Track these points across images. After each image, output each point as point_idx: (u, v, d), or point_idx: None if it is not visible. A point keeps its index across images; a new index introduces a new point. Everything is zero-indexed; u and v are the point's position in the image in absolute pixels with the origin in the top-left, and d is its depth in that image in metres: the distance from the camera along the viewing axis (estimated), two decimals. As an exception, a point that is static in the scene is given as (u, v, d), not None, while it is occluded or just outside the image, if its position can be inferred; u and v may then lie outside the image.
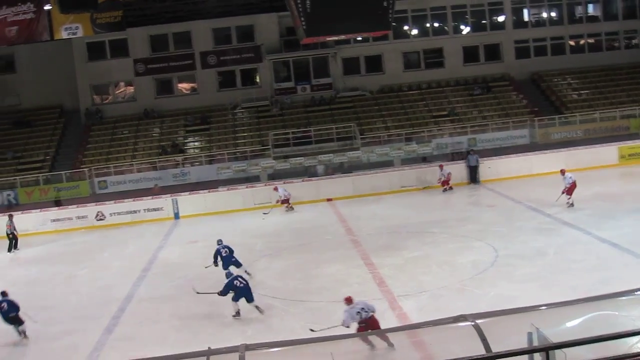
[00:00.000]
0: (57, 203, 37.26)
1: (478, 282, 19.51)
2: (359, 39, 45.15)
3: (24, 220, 34.57)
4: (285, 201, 33.23)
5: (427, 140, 40.89)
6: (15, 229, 31.75)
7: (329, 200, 34.61)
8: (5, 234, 31.54)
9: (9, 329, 18.79)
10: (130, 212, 34.64)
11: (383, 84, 47.17)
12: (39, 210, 35.80)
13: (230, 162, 39.70)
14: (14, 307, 18.87)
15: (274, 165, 38.87)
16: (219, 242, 22.98)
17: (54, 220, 35.03)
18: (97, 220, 34.79)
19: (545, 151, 36.67)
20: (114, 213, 34.67)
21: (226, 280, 18.87)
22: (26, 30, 25.21)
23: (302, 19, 24.58)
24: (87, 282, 24.96)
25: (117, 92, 48.42)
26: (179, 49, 46.66)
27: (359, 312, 15.44)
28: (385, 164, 38.84)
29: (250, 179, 38.01)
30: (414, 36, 48.81)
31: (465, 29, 49.78)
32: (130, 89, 47.91)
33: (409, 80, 47.63)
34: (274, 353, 10.18)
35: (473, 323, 7.77)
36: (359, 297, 19.21)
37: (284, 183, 34.86)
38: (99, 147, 43.28)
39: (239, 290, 18.67)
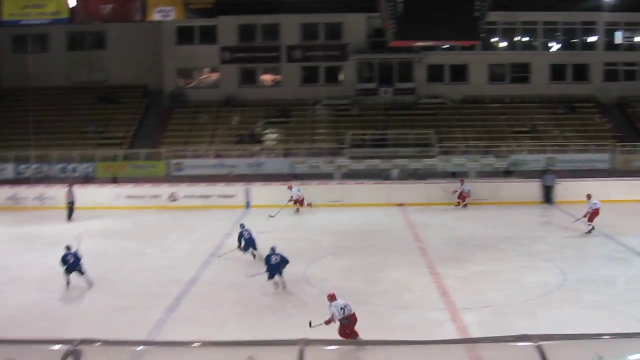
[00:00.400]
0: (114, 180, 38.14)
1: (543, 303, 19.24)
2: (446, 46, 44.85)
3: (99, 194, 35.51)
4: (298, 201, 33.26)
5: (505, 155, 40.37)
6: (74, 199, 32.70)
7: (400, 205, 34.53)
8: (65, 204, 32.50)
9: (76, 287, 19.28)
10: (203, 197, 35.17)
11: (466, 94, 46.79)
12: (114, 185, 36.62)
13: (306, 157, 39.86)
14: (78, 259, 21.32)
15: (348, 165, 38.91)
16: (242, 225, 24.94)
17: (128, 197, 35.82)
18: (170, 201, 35.44)
19: (625, 178, 35.89)
20: (187, 196, 35.25)
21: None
22: (120, 10, 25.81)
23: (393, 21, 24.60)
24: (154, 260, 25.45)
25: (202, 77, 49.10)
26: (266, 40, 47.08)
27: (342, 307, 16.04)
28: (460, 175, 38.49)
29: (323, 176, 38.12)
30: (502, 49, 48.25)
31: (555, 46, 48.99)
32: (215, 76, 48.52)
33: (492, 92, 47.12)
34: (333, 351, 10.27)
35: (536, 344, 7.67)
36: (421, 305, 19.26)
37: (301, 184, 34.92)
38: (178, 130, 43.98)
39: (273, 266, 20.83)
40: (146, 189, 36.05)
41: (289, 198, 32.98)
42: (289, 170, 38.92)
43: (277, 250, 21.02)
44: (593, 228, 27.32)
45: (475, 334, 16.53)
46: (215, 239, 28.06)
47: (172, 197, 35.45)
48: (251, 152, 40.77)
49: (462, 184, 34.11)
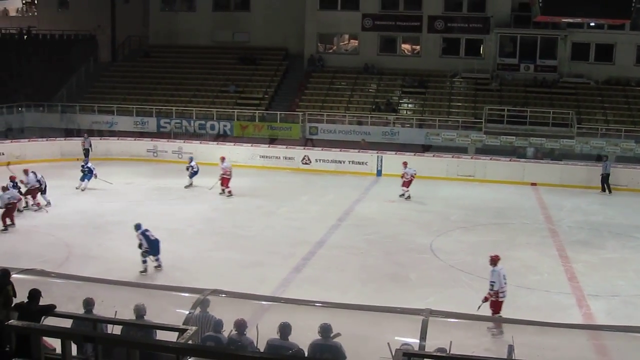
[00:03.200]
0: (271, 141, 39.02)
1: (677, 296, 18.55)
2: (593, 24, 43.25)
3: (235, 152, 36.42)
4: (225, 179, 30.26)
5: (648, 141, 38.73)
6: (90, 146, 36.16)
7: (533, 184, 33.82)
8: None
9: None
10: (335, 162, 35.53)
11: (611, 75, 45.04)
12: (250, 144, 37.44)
13: (441, 129, 39.46)
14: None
15: (483, 140, 38.28)
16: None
17: (262, 157, 36.64)
18: (303, 163, 35.99)
19: None
20: (320, 159, 35.70)
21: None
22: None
23: (540, -4, 24.01)
24: (283, 220, 25.97)
25: (342, 43, 49.25)
26: (408, 9, 46.65)
27: (505, 276, 15.74)
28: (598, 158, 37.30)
29: (457, 150, 37.71)
30: (653, 29, 46.14)
31: None
32: (354, 43, 48.57)
33: (639, 75, 45.20)
34: (455, 324, 10.30)
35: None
36: (547, 287, 18.93)
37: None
38: (315, 94, 44.35)
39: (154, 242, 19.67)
40: (281, 151, 36.71)
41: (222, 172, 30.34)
42: (424, 142, 38.63)
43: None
44: None
45: (601, 322, 16.13)
46: (344, 204, 28.32)
47: (305, 160, 35.97)
48: (386, 120, 40.71)
49: (405, 167, 30.40)
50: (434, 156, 35.61)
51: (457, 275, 19.83)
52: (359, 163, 35.61)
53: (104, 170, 33.62)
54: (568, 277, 19.96)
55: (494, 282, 15.62)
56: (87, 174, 29.99)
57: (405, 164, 30.45)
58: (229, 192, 29.91)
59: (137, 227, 19.80)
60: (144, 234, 19.56)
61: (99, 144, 38.20)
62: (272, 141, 38.98)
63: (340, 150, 36.20)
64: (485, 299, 15.70)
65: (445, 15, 45.61)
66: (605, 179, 33.09)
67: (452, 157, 35.68)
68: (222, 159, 30.49)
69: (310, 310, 11.51)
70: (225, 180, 29.94)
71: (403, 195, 30.01)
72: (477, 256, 21.61)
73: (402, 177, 30.26)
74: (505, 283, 15.75)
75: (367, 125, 39.97)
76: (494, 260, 15.87)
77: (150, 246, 19.55)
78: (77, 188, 29.85)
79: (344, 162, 35.62)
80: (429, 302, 16.39)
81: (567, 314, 16.62)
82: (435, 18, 45.65)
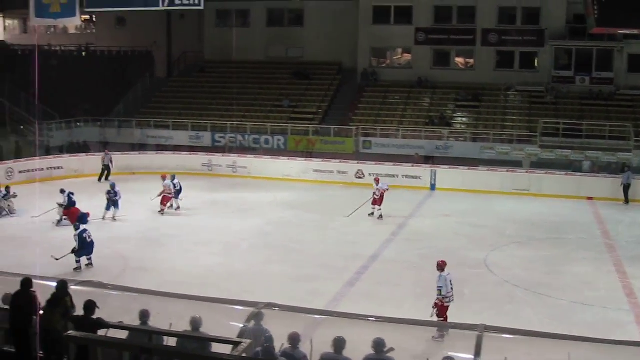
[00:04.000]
0: (309, 154, 39.23)
1: None
2: (651, 35, 42.60)
3: (289, 167, 36.67)
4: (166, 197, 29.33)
5: None
6: (111, 162, 35.95)
7: (589, 199, 33.32)
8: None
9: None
10: (389, 176, 35.40)
11: (670, 87, 44.30)
12: (303, 159, 37.59)
13: (495, 143, 39.12)
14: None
15: (538, 154, 37.86)
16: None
17: (315, 171, 36.75)
18: (356, 177, 36.02)
19: None
20: (374, 174, 35.58)
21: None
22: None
23: (596, 7, 23.70)
24: (336, 234, 26.01)
25: (395, 57, 49.25)
26: (461, 22, 46.46)
27: (452, 281, 16.12)
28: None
29: (511, 164, 37.33)
30: None
31: None
32: (408, 56, 48.51)
33: (699, 87, 44.27)
34: (510, 340, 10.20)
35: None
36: (604, 303, 18.62)
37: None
38: (369, 108, 44.36)
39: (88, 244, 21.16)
40: (334, 165, 36.77)
41: (161, 190, 29.37)
42: (478, 155, 38.32)
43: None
44: None
45: (660, 339, 15.80)
46: (398, 219, 28.27)
47: (359, 174, 35.99)
48: (439, 134, 40.54)
49: (377, 184, 29.08)
50: (488, 170, 35.32)
51: (512, 291, 19.64)
52: (412, 177, 35.50)
53: (159, 184, 34.05)
54: (626, 293, 19.62)
55: (441, 287, 16.03)
56: (115, 199, 27.75)
57: (377, 180, 29.35)
58: (162, 211, 29.08)
59: (76, 227, 21.50)
60: (81, 235, 20.97)
61: (154, 159, 38.73)
62: (326, 156, 38.99)
63: (394, 165, 36.12)
64: (435, 305, 16.03)
65: (499, 28, 45.31)
66: (626, 189, 33.01)
67: (507, 171, 35.35)
68: (163, 177, 29.92)
69: (363, 325, 11.49)
70: (165, 199, 29.19)
71: (372, 214, 28.58)
72: (532, 271, 21.43)
73: (374, 194, 28.65)
74: (451, 288, 16.12)
75: (421, 139, 39.83)
76: (441, 266, 16.29)
77: (85, 247, 21.00)
78: (103, 219, 27.41)
79: (397, 176, 35.51)
80: (483, 317, 16.22)
81: (625, 331, 16.31)
82: (489, 31, 45.38)
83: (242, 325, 10.67)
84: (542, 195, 33.52)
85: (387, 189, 28.62)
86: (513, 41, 45.26)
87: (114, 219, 27.50)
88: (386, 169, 35.77)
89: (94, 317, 10.49)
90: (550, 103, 42.89)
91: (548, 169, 35.47)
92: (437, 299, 16.07)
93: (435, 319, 15.66)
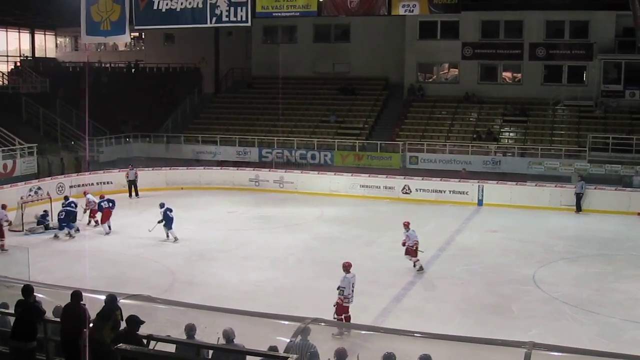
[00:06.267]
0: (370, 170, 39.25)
1: None
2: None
3: (336, 182, 36.74)
4: (93, 211, 29.52)
5: None
6: (136, 177, 36.16)
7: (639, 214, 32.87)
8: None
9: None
10: (436, 191, 35.29)
11: None
12: (350, 174, 37.62)
13: (543, 158, 38.79)
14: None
15: (587, 169, 37.42)
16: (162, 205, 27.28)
17: (362, 186, 36.73)
18: (403, 193, 35.91)
19: None
20: (420, 189, 35.52)
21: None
22: (367, 3, 26.21)
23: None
24: (383, 250, 25.92)
25: (441, 72, 49.15)
26: (508, 37, 46.16)
27: (354, 284, 17.22)
28: None
29: (560, 179, 36.91)
30: None
31: None
32: (454, 71, 48.38)
33: None
34: (559, 357, 10.10)
35: None
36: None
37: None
38: (415, 124, 44.29)
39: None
40: (381, 180, 36.72)
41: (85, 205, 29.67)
42: (526, 171, 37.96)
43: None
44: None
45: None
46: (445, 234, 28.12)
47: (405, 190, 35.90)
48: (487, 149, 40.29)
49: (406, 230, 23.79)
50: (536, 185, 34.96)
51: (560, 308, 19.42)
52: (459, 193, 35.27)
53: (207, 199, 34.50)
54: (679, 312, 19.29)
55: (343, 287, 17.06)
56: (168, 217, 27.24)
57: (406, 225, 23.85)
58: (95, 222, 29.49)
59: (161, 205, 27.27)
60: (165, 212, 26.86)
61: (202, 174, 39.12)
62: (372, 171, 38.93)
63: (441, 180, 35.94)
64: (337, 304, 17.05)
65: (547, 42, 44.95)
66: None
67: (555, 186, 34.94)
68: (85, 192, 30.88)
69: (410, 341, 11.48)
70: (93, 212, 29.57)
71: (415, 266, 23.27)
72: (581, 288, 21.18)
73: (403, 243, 23.53)
74: (352, 290, 17.17)
75: (468, 154, 39.65)
76: (346, 267, 17.39)
77: (168, 221, 26.88)
78: (149, 230, 27.25)
79: (444, 192, 35.34)
80: (531, 334, 16.11)
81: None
82: (536, 45, 45.04)
83: (288, 340, 10.72)
84: (591, 210, 33.06)
85: (417, 241, 23.28)
86: (561, 55, 44.86)
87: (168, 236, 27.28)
88: (433, 184, 35.62)
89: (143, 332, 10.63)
90: (599, 117, 42.39)
91: (597, 184, 34.97)
92: (339, 298, 17.06)
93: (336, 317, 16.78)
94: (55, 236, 27.27)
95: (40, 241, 26.93)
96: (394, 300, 19.90)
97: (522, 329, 17.14)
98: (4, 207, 26.79)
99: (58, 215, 27.97)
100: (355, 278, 17.29)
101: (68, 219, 27.51)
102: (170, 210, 27.14)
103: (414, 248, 23.06)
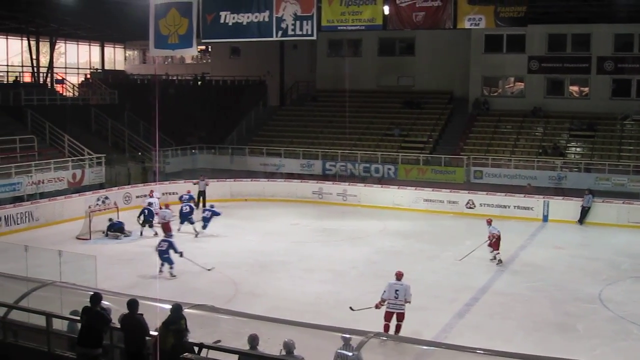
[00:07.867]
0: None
1: None
2: None
3: (399, 196, 36.71)
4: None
5: None
6: (206, 187, 36.67)
7: None
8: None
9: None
10: (500, 206, 34.93)
11: None
12: (414, 188, 37.49)
13: (611, 174, 38.07)
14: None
15: (655, 185, 36.65)
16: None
17: (426, 200, 36.58)
18: (467, 208, 35.67)
19: None
20: (484, 204, 35.19)
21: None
22: (432, 17, 26.20)
23: None
24: (446, 265, 25.80)
25: (507, 86, 48.70)
26: (575, 50, 45.57)
27: (397, 290, 17.45)
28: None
29: (628, 195, 36.17)
30: None
31: None
32: (520, 85, 47.89)
33: None
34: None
35: None
36: None
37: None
38: (480, 138, 43.93)
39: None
40: (445, 194, 36.53)
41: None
42: (594, 187, 37.24)
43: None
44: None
45: None
46: (509, 250, 27.74)
47: (469, 204, 35.65)
48: (553, 165, 39.73)
49: (489, 225, 26.63)
50: (603, 202, 34.33)
51: (627, 328, 19.05)
52: (524, 208, 34.87)
53: (270, 211, 34.73)
54: None
55: (384, 290, 17.73)
56: (208, 216, 30.53)
57: (489, 221, 26.69)
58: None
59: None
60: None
61: (266, 186, 39.47)
62: (436, 185, 38.69)
63: (505, 195, 35.60)
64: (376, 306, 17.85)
65: (615, 55, 44.23)
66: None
67: (623, 203, 34.27)
68: (151, 192, 33.15)
69: (472, 358, 11.42)
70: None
71: (494, 259, 25.98)
72: (649, 307, 20.74)
73: (488, 238, 26.14)
74: (395, 297, 17.53)
75: (533, 169, 39.15)
76: (396, 275, 17.92)
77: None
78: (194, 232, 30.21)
79: (508, 207, 34.98)
80: (596, 354, 15.89)
81: None
82: (604, 59, 44.35)
83: (351, 355, 10.75)
84: (660, 228, 32.40)
85: (498, 233, 26.14)
86: (630, 69, 44.07)
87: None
88: (497, 199, 35.30)
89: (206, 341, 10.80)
90: (670, 132, 41.50)
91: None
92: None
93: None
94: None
95: (106, 249, 27.46)
96: (456, 316, 19.76)
97: (587, 349, 16.89)
98: (167, 206, 30.00)
99: (180, 210, 30.55)
100: (404, 287, 17.49)
101: (190, 213, 30.41)
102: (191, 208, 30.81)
103: (494, 240, 25.67)
